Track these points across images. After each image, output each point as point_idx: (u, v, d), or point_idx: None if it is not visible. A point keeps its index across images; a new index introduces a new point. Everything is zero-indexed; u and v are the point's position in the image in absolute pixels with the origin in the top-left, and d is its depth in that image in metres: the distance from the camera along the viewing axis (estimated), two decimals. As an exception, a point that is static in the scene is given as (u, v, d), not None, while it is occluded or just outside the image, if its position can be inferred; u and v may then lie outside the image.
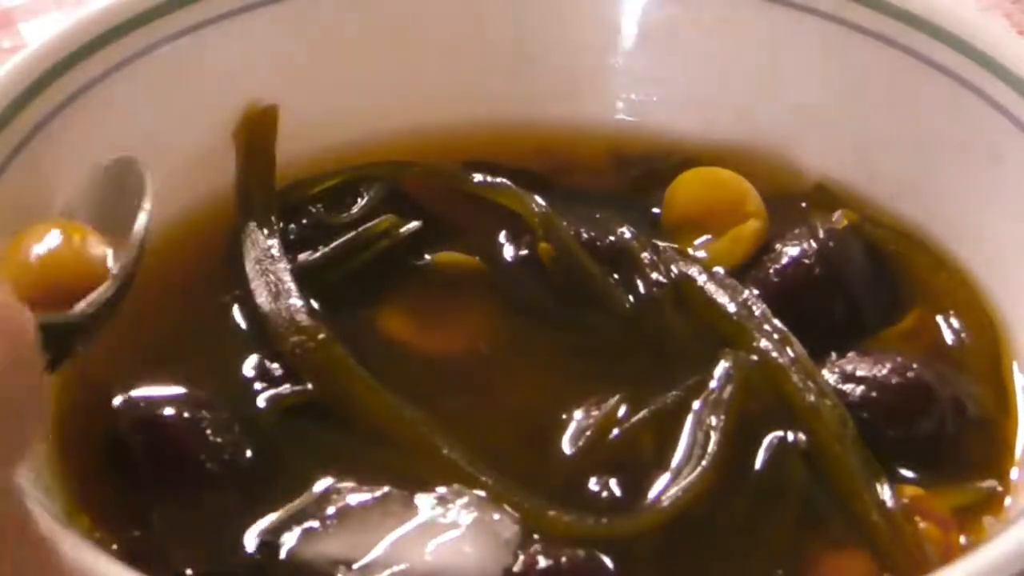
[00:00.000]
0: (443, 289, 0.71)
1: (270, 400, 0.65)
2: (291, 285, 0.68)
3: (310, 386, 0.65)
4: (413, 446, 0.63)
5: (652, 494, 0.62)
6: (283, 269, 0.68)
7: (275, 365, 0.66)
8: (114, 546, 0.60)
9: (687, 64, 0.77)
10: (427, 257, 0.72)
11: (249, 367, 0.67)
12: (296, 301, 0.67)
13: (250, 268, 0.69)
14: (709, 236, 0.72)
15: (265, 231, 0.70)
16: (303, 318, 0.66)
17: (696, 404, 0.64)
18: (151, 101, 0.71)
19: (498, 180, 0.73)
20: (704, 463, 0.62)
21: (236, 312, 0.69)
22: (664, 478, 0.62)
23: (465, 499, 0.60)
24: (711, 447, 0.62)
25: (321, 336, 0.65)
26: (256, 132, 0.74)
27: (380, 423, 0.64)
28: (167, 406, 0.63)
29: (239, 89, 0.74)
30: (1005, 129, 0.69)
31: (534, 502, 0.61)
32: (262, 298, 0.67)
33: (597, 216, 0.73)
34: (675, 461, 0.63)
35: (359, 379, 0.64)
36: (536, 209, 0.71)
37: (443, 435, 0.63)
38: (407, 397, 0.64)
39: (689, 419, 0.64)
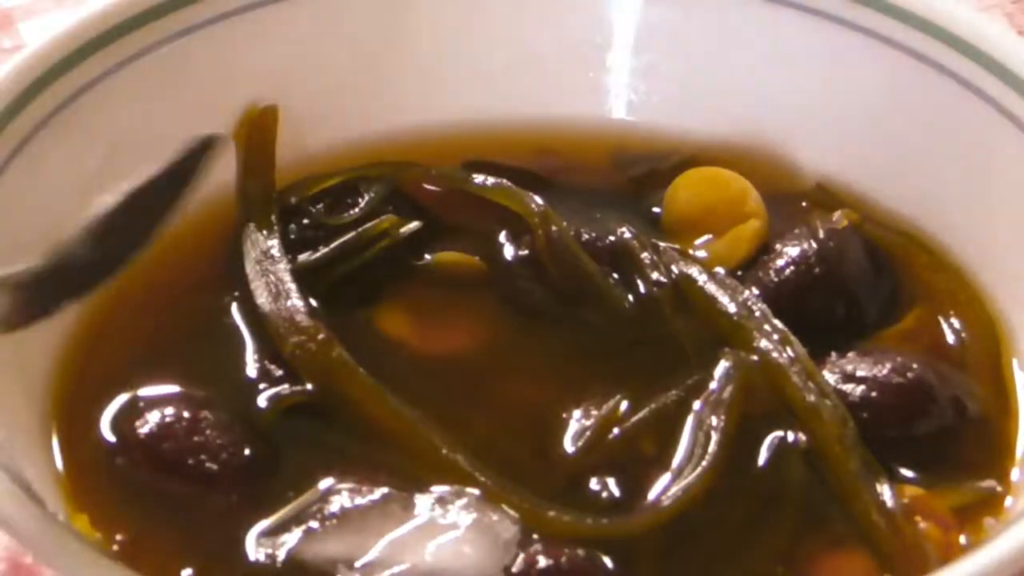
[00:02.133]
0: (443, 289, 0.71)
1: (270, 400, 0.65)
2: (291, 286, 0.67)
3: (310, 386, 0.65)
4: (413, 446, 0.63)
5: (652, 494, 0.62)
6: (283, 270, 0.68)
7: (275, 365, 0.66)
8: (114, 546, 0.60)
9: (687, 64, 0.77)
10: (427, 257, 0.72)
11: (249, 367, 0.67)
12: (296, 302, 0.67)
13: (250, 269, 0.69)
14: (709, 236, 0.72)
15: (265, 232, 0.70)
16: (303, 319, 0.66)
17: (696, 404, 0.64)
18: (151, 101, 0.71)
19: (497, 180, 0.73)
20: (704, 463, 0.62)
21: (236, 312, 0.69)
22: (665, 478, 0.62)
23: (464, 500, 0.60)
24: (711, 447, 0.62)
25: (321, 337, 0.65)
26: (256, 132, 0.74)
27: (380, 424, 0.64)
28: (167, 406, 0.63)
29: (239, 89, 0.74)
30: (1005, 129, 0.68)
31: (534, 502, 0.60)
32: (262, 299, 0.67)
33: (597, 216, 0.73)
34: (676, 461, 0.63)
35: (358, 380, 0.64)
36: (535, 208, 0.71)
37: (442, 435, 0.63)
38: (406, 397, 0.64)
39: (689, 419, 0.64)
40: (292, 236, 0.71)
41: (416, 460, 0.62)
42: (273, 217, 0.71)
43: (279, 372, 0.66)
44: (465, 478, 0.61)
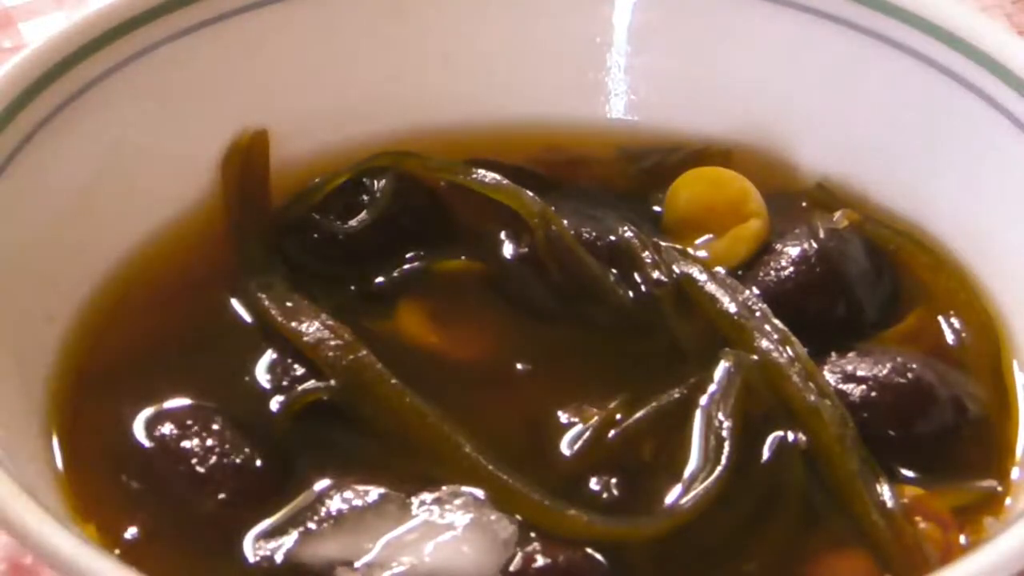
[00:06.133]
0: (447, 293, 0.71)
1: (283, 400, 0.65)
2: (304, 302, 0.68)
3: (323, 385, 0.65)
4: (433, 446, 0.63)
5: (658, 495, 0.62)
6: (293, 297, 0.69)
7: (280, 369, 0.66)
8: (116, 551, 0.60)
9: (687, 64, 0.77)
10: (429, 263, 0.72)
11: (253, 367, 0.66)
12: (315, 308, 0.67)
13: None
14: (710, 235, 0.72)
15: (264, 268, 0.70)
16: (327, 319, 0.66)
17: (702, 403, 0.64)
18: (151, 101, 0.72)
19: (496, 177, 0.72)
20: (721, 466, 0.62)
21: (239, 312, 0.69)
22: (668, 479, 0.62)
23: (462, 499, 0.60)
24: (726, 449, 0.62)
25: (348, 337, 0.65)
26: (248, 159, 0.73)
27: (400, 423, 0.63)
28: (167, 407, 0.63)
29: (239, 89, 0.74)
30: (1005, 129, 0.69)
31: (554, 502, 0.60)
32: (275, 311, 0.68)
33: (598, 215, 0.73)
34: (690, 463, 0.62)
35: (385, 379, 0.64)
36: (534, 207, 0.71)
37: (465, 435, 0.63)
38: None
39: (697, 420, 0.64)
40: (303, 250, 0.71)
41: (434, 460, 0.62)
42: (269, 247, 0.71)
43: (283, 375, 0.66)
44: (484, 478, 0.61)
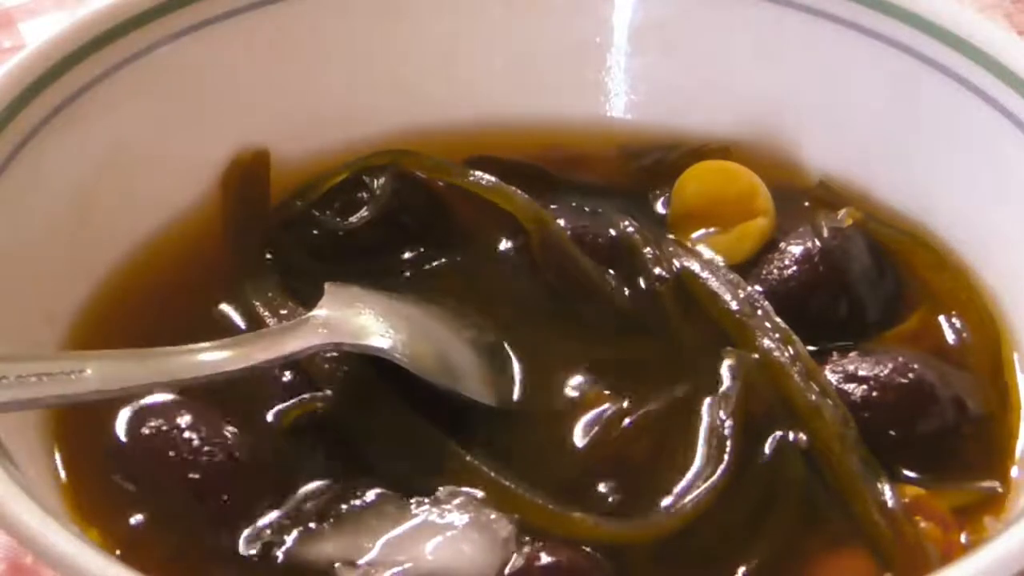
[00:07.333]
0: (446, 292, 0.71)
1: (282, 409, 0.65)
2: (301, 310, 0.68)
3: (323, 393, 0.65)
4: (435, 457, 0.62)
5: (662, 494, 0.62)
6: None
7: (277, 370, 0.66)
8: (117, 551, 0.60)
9: (688, 64, 0.77)
10: (428, 261, 0.72)
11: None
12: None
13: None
14: (715, 229, 0.72)
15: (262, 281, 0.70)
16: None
17: (705, 404, 0.64)
18: (151, 101, 0.71)
19: (491, 179, 0.72)
20: (723, 466, 0.62)
21: (235, 315, 0.69)
22: (671, 478, 0.62)
23: (461, 499, 0.60)
24: (728, 448, 0.62)
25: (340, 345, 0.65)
26: (248, 179, 0.74)
27: (399, 436, 0.63)
28: (165, 408, 0.63)
29: (238, 90, 0.74)
30: (1005, 129, 0.68)
31: (559, 506, 0.60)
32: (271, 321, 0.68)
33: (599, 213, 0.73)
34: (693, 461, 0.62)
35: (381, 394, 0.64)
36: (529, 209, 0.71)
37: (463, 443, 0.63)
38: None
39: (699, 419, 0.64)
40: (302, 247, 0.71)
41: (432, 465, 0.62)
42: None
43: (283, 373, 0.65)
44: (486, 483, 0.61)
